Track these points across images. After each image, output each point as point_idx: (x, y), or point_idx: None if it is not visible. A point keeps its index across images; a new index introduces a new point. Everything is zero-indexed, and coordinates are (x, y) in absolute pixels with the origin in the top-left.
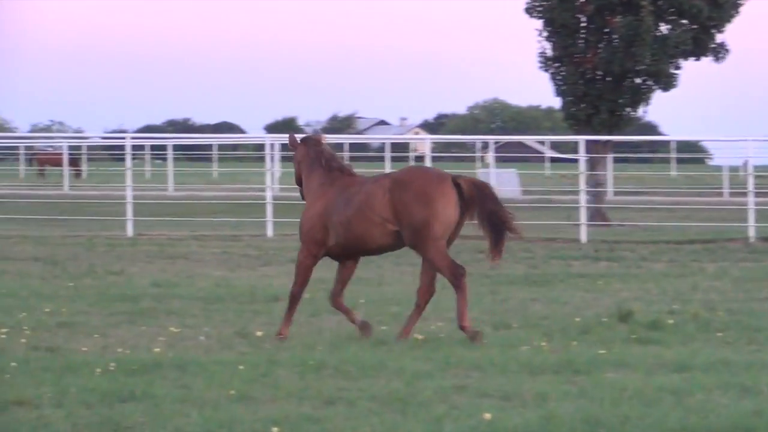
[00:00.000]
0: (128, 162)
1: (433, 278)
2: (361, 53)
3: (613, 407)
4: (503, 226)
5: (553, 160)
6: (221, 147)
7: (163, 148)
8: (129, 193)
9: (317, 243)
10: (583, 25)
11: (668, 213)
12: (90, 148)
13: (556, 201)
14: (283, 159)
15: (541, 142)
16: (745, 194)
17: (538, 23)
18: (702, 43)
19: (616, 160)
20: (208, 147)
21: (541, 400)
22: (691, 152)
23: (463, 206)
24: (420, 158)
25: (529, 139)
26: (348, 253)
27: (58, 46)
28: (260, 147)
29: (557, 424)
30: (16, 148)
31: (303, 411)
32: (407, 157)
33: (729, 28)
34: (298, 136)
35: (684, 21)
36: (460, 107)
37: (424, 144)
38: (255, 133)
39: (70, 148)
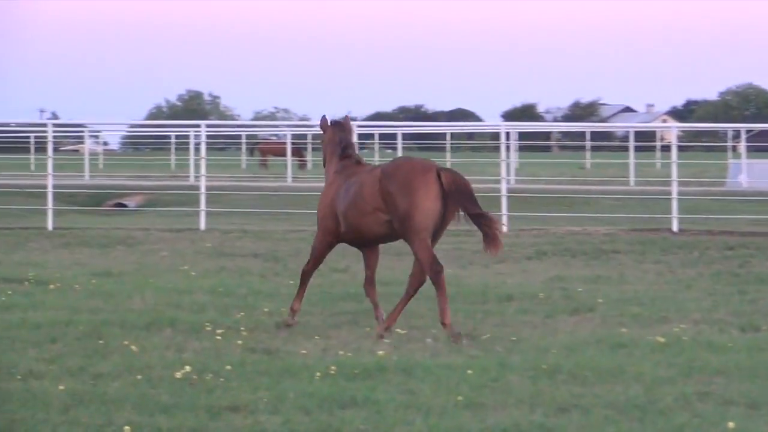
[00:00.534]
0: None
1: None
2: (604, 33)
3: None
4: (486, 229)
5: None
6: (454, 136)
7: (393, 137)
8: None
9: (329, 231)
10: None
11: None
12: (315, 137)
13: None
14: (521, 149)
15: None
16: None
17: None
18: None
19: None
20: (441, 136)
21: None
22: None
23: (444, 198)
24: (666, 147)
25: None
26: (359, 242)
27: (286, 32)
28: (496, 136)
29: None
30: (238, 137)
31: (535, 419)
32: (653, 146)
33: None
34: (330, 119)
35: None
36: (711, 93)
37: (670, 132)
38: (491, 121)
39: (294, 137)
